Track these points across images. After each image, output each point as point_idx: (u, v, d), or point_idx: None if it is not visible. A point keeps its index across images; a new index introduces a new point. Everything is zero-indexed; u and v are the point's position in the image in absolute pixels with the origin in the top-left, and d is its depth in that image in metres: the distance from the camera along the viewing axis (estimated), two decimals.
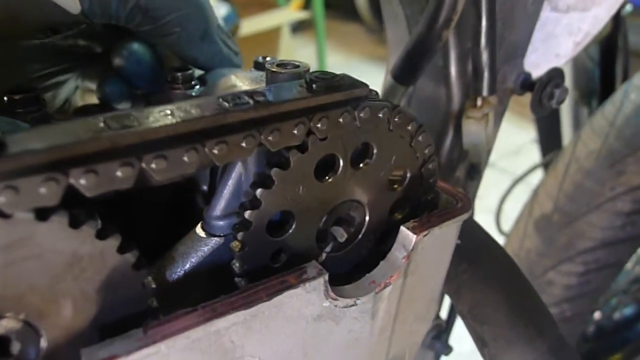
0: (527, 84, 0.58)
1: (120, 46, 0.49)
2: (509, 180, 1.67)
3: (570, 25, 0.64)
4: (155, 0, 0.42)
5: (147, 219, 0.42)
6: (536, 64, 0.65)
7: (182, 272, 0.35)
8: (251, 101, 0.28)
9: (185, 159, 0.26)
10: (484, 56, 0.46)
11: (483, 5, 0.44)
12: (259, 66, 0.47)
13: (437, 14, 0.47)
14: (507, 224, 1.44)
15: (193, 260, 0.36)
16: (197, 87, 0.45)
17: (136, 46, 0.49)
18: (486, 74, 0.47)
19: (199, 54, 0.48)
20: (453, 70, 0.54)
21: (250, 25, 3.39)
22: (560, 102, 0.58)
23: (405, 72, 0.52)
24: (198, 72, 0.49)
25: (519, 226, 1.29)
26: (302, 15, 4.09)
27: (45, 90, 0.47)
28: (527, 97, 0.61)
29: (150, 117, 0.26)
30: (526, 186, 1.68)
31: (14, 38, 0.41)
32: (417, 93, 0.59)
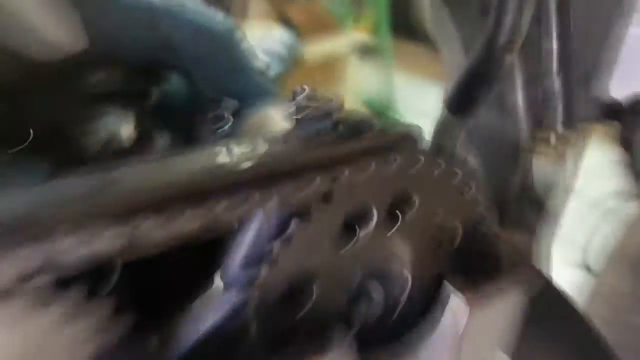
0: (612, 112, 0.49)
1: (155, 82, 0.48)
2: (597, 211, 1.50)
3: None
4: (180, 35, 0.40)
5: (165, 277, 0.38)
6: (623, 89, 0.56)
7: (196, 332, 0.31)
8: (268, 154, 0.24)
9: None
10: (556, 84, 0.39)
11: (552, 22, 0.37)
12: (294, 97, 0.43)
13: (496, 36, 0.40)
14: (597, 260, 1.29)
15: (209, 317, 0.31)
16: (228, 124, 0.43)
17: (171, 82, 0.48)
18: (560, 106, 0.39)
19: (230, 84, 0.45)
20: (520, 99, 0.47)
21: (315, 51, 3.42)
22: None
23: (461, 104, 0.46)
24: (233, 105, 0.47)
25: (611, 266, 1.14)
26: (368, 39, 4.07)
27: (84, 134, 0.46)
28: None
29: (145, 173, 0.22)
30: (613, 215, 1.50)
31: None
32: (478, 126, 0.52)
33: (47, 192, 0.22)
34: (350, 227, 0.29)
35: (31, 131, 0.38)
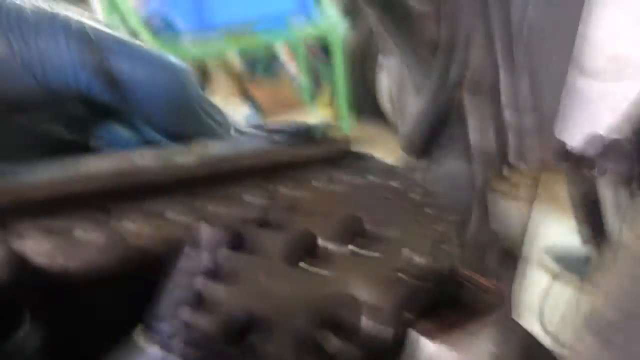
0: (561, 154, 0.50)
1: (102, 129, 0.44)
2: (549, 277, 1.52)
3: (605, 91, 0.57)
4: (119, 63, 0.37)
5: (88, 325, 0.33)
6: (569, 136, 0.57)
7: None
8: (185, 156, 0.20)
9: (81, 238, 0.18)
10: (507, 116, 0.39)
11: (499, 57, 0.38)
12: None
13: (446, 73, 0.40)
14: (551, 323, 1.28)
15: None
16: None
17: (118, 130, 0.45)
18: (511, 137, 0.39)
19: (179, 127, 0.42)
20: (473, 138, 0.47)
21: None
22: (602, 172, 0.49)
23: (415, 145, 0.45)
24: None
25: (567, 326, 1.12)
26: (327, 116, 4.21)
27: None
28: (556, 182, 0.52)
29: (36, 172, 0.18)
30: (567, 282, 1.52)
31: None
32: (433, 167, 0.51)
33: None
34: (293, 259, 0.25)
35: None
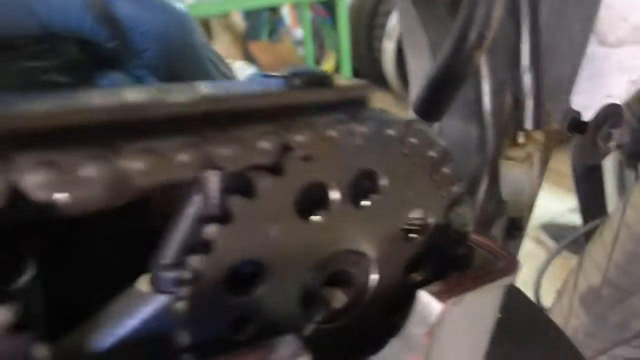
0: (576, 125, 0.49)
1: (99, 75, 0.43)
2: (546, 252, 1.53)
3: (622, 62, 0.55)
4: (123, 10, 0.36)
5: (87, 267, 0.32)
6: (584, 106, 0.56)
7: (112, 339, 0.25)
8: (194, 91, 0.19)
9: (82, 173, 0.17)
10: (526, 81, 0.38)
11: (524, 18, 0.36)
12: None
13: (466, 31, 0.38)
14: (548, 299, 1.29)
15: (128, 323, 0.26)
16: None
17: (116, 75, 0.43)
18: (529, 103, 0.38)
19: (182, 73, 0.41)
20: (487, 103, 0.45)
21: None
22: (620, 145, 0.48)
23: (428, 106, 0.44)
24: None
25: (563, 301, 1.13)
26: None
27: None
28: (563, 163, 0.51)
29: (33, 102, 0.17)
30: (563, 259, 1.53)
31: None
32: (443, 133, 0.50)
33: None
34: (304, 209, 0.24)
35: None
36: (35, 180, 0.17)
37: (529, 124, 0.38)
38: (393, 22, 4.12)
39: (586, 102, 0.57)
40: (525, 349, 0.35)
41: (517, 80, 0.38)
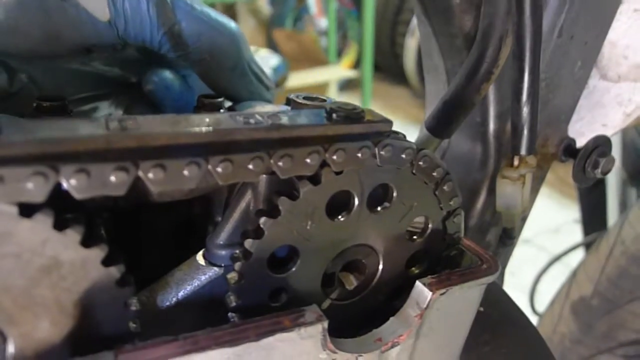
0: (570, 151, 0.55)
1: (151, 72, 0.50)
2: (546, 259, 1.58)
3: (620, 96, 0.61)
4: (188, 28, 0.42)
5: (152, 243, 0.40)
6: (581, 133, 0.62)
7: (174, 299, 0.33)
8: (263, 121, 0.26)
9: (186, 172, 0.24)
10: (524, 113, 0.44)
11: (526, 60, 0.42)
12: (289, 102, 0.46)
13: (477, 66, 0.45)
14: (542, 304, 1.35)
15: (188, 288, 0.33)
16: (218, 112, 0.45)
17: (166, 73, 0.50)
18: (525, 132, 0.44)
19: (229, 84, 0.47)
20: (491, 127, 0.52)
21: (299, 79, 3.51)
22: (606, 172, 0.54)
23: (440, 125, 0.50)
24: (228, 104, 0.49)
25: (554, 308, 1.20)
26: (350, 74, 4.22)
27: (76, 114, 0.47)
28: (570, 174, 0.58)
29: (154, 124, 0.24)
30: (564, 267, 1.58)
31: (51, 57, 0.42)
32: (451, 149, 0.57)
33: (55, 125, 0.23)
34: (332, 210, 0.32)
35: None
36: (155, 175, 0.24)
37: (523, 150, 0.44)
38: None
39: (584, 130, 0.63)
40: (500, 338, 0.42)
41: (516, 111, 0.45)
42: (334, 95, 3.81)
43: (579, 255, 1.47)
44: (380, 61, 4.54)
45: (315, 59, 4.02)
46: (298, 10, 4.58)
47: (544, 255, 2.19)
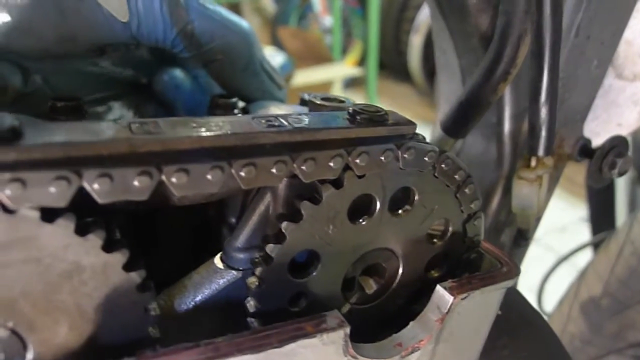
0: (586, 151, 0.54)
1: (162, 72, 0.49)
2: (553, 258, 1.57)
3: (636, 95, 0.61)
4: (201, 27, 0.42)
5: (170, 245, 0.40)
6: (596, 133, 0.61)
7: (193, 303, 0.33)
8: (287, 124, 0.26)
9: (209, 176, 0.24)
10: (542, 113, 0.43)
11: (546, 59, 0.42)
12: (304, 102, 0.46)
13: (494, 66, 0.44)
14: (550, 304, 1.34)
15: (206, 292, 0.33)
16: (238, 115, 0.44)
17: (177, 72, 0.50)
18: (543, 133, 0.43)
19: (241, 84, 0.47)
20: (507, 127, 0.51)
21: (304, 77, 3.50)
22: (623, 173, 0.53)
23: (456, 125, 0.50)
24: (242, 104, 0.48)
25: (563, 307, 1.19)
26: (355, 71, 4.21)
27: (90, 115, 0.47)
28: (577, 172, 0.57)
29: (177, 127, 0.24)
30: (571, 266, 1.58)
31: (65, 58, 0.41)
32: (466, 149, 0.56)
33: (78, 128, 0.23)
34: (354, 214, 0.31)
35: None
36: (178, 180, 0.23)
37: (541, 151, 0.44)
38: (422, 16, 4.13)
39: (599, 129, 0.63)
40: (519, 341, 0.41)
41: (534, 111, 0.44)
42: (338, 93, 3.80)
43: (586, 254, 1.46)
44: (384, 59, 4.53)
45: (320, 57, 4.01)
46: (302, 8, 4.57)
47: (551, 255, 2.18)
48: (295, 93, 0.47)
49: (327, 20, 4.55)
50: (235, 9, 4.11)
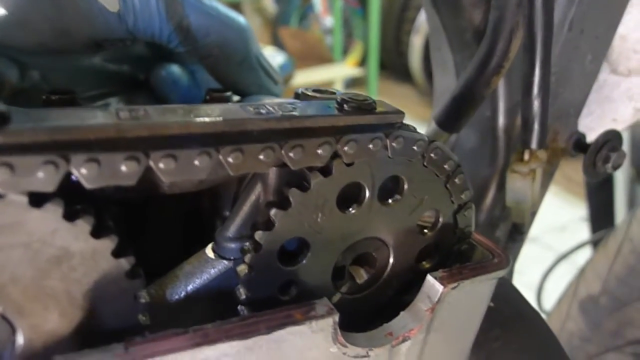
0: (580, 145, 0.54)
1: (159, 67, 0.50)
2: (552, 257, 1.57)
3: (630, 90, 0.61)
4: (197, 22, 0.42)
5: (161, 236, 0.40)
6: (591, 128, 0.61)
7: (184, 292, 0.33)
8: (275, 112, 0.26)
9: (197, 162, 0.24)
10: (535, 107, 0.43)
11: (537, 53, 0.42)
12: (297, 96, 0.46)
13: (487, 60, 0.44)
14: (549, 302, 1.34)
15: (197, 281, 0.33)
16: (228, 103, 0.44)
17: (174, 68, 0.50)
18: (536, 126, 0.44)
19: (237, 78, 0.47)
20: (501, 121, 0.51)
21: (305, 77, 3.50)
22: (616, 167, 0.53)
23: (449, 119, 0.50)
24: (236, 98, 0.49)
25: (562, 305, 1.19)
26: (356, 72, 4.21)
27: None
28: (576, 171, 0.57)
29: (165, 113, 0.24)
30: (570, 265, 1.58)
31: (62, 52, 0.41)
32: (460, 143, 0.56)
33: (66, 114, 0.23)
34: (343, 202, 0.31)
35: None
36: (166, 165, 0.24)
37: (534, 143, 0.44)
38: (423, 17, 4.13)
39: (594, 124, 0.63)
40: (511, 334, 0.41)
41: (527, 104, 0.44)
42: None
43: (586, 253, 1.46)
44: (385, 59, 4.53)
45: (321, 57, 4.02)
46: (303, 9, 4.58)
47: (551, 253, 2.18)
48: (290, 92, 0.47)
49: (328, 21, 4.55)
50: (237, 9, 4.11)
